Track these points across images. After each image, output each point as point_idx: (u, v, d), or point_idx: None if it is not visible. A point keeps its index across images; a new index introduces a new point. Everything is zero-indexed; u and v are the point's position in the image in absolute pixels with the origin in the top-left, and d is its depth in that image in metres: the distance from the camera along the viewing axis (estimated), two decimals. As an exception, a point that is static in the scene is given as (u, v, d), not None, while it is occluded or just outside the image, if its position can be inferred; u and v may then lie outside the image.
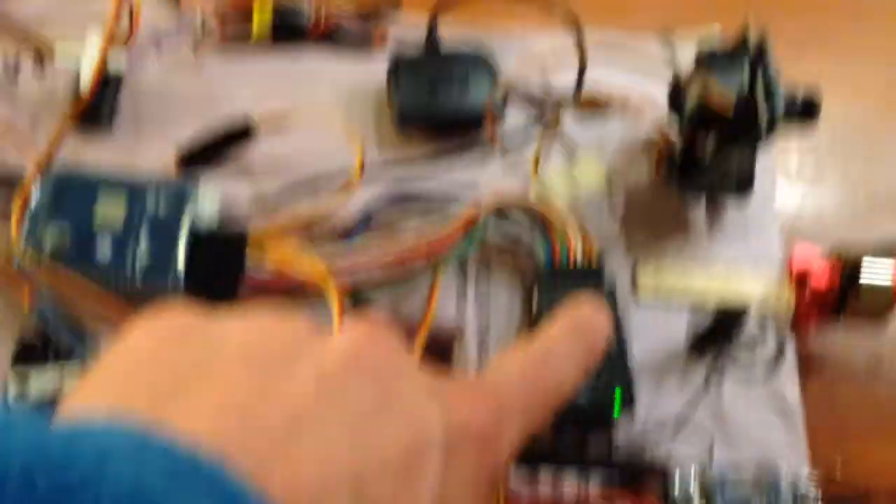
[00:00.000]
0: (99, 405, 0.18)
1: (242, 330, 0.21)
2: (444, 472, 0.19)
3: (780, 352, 0.46)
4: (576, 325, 0.27)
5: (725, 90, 0.43)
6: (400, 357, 0.21)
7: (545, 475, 0.41)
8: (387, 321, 0.23)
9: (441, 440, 0.20)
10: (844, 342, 0.50)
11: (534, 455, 0.41)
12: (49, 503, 0.12)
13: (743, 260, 0.49)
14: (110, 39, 0.43)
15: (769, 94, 0.42)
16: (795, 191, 0.55)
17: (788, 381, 0.46)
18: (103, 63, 0.42)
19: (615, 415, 0.42)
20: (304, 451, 0.17)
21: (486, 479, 0.21)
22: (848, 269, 0.46)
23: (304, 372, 0.19)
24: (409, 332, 0.43)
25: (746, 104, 0.42)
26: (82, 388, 0.19)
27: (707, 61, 0.44)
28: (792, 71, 0.45)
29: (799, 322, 0.47)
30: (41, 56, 0.47)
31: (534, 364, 0.25)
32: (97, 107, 0.45)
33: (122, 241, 0.40)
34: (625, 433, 0.43)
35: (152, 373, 0.19)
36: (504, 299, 0.46)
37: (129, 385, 0.18)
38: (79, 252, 0.40)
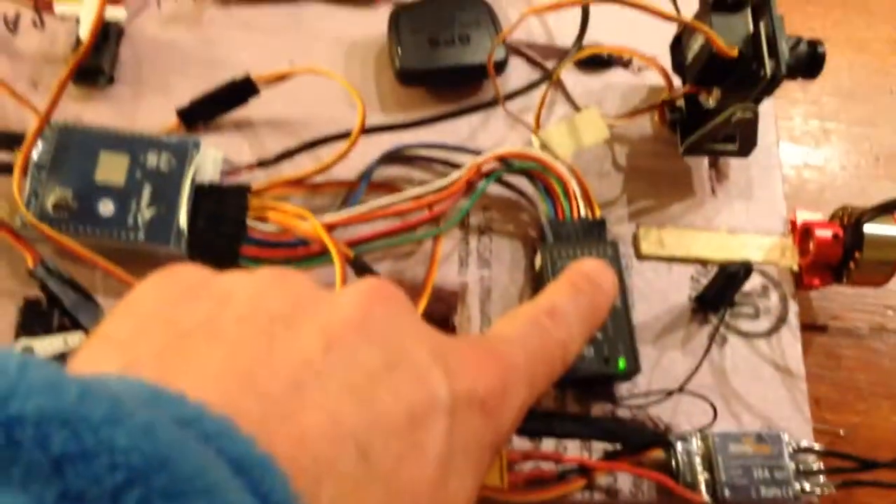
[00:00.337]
0: (106, 364, 0.18)
1: (248, 288, 0.21)
2: (448, 435, 0.19)
3: (783, 311, 0.46)
4: (580, 284, 0.27)
5: (729, 36, 0.42)
6: (406, 317, 0.21)
7: (547, 447, 0.42)
8: (393, 284, 0.23)
9: (446, 404, 0.20)
10: (848, 302, 0.51)
11: (536, 426, 0.42)
12: (64, 444, 0.12)
13: (746, 219, 0.48)
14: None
15: (773, 42, 0.41)
16: (798, 151, 0.55)
17: (791, 342, 0.46)
18: (102, 13, 0.41)
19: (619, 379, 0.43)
20: (309, 410, 0.17)
21: (489, 444, 0.21)
22: (852, 222, 0.46)
23: (310, 331, 0.19)
24: (412, 293, 0.43)
25: (751, 48, 0.42)
26: (90, 347, 0.19)
27: (711, 8, 0.43)
28: (793, 27, 0.45)
29: (803, 281, 0.47)
30: (39, 9, 0.46)
31: (539, 327, 0.25)
32: (97, 59, 0.45)
33: (125, 198, 0.40)
34: (627, 396, 0.43)
35: (158, 332, 0.19)
36: (507, 257, 0.46)
37: (135, 346, 0.19)
38: (81, 209, 0.40)
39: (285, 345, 0.19)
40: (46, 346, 0.37)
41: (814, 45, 0.44)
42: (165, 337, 0.19)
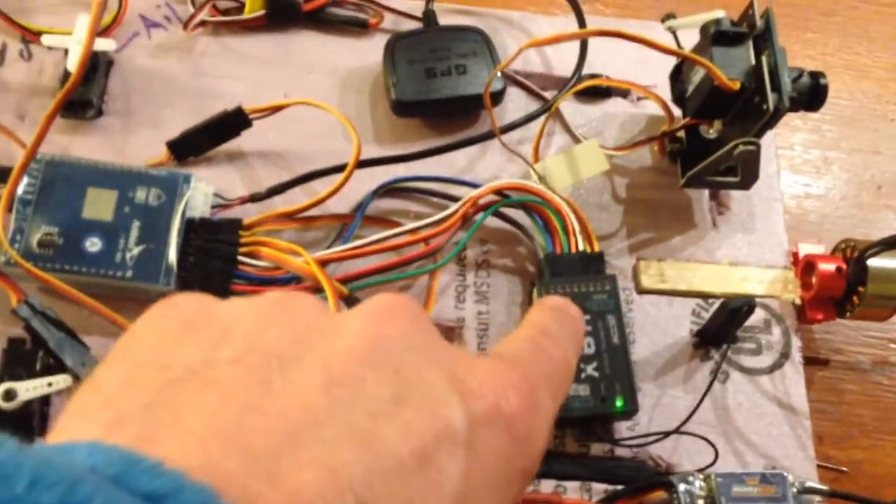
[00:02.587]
0: (92, 421, 0.17)
1: (247, 320, 0.20)
2: (467, 467, 0.18)
3: (786, 346, 0.45)
4: (554, 311, 0.26)
5: (731, 69, 0.42)
6: (420, 336, 0.20)
7: (546, 488, 0.41)
8: (407, 296, 0.21)
9: (464, 434, 0.18)
10: (850, 336, 0.50)
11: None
12: None
13: (748, 252, 0.48)
14: (98, 20, 0.42)
15: (775, 75, 0.41)
16: (799, 181, 0.54)
17: (794, 378, 0.45)
18: (91, 44, 0.40)
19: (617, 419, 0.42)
20: (303, 465, 0.16)
21: (519, 468, 0.20)
22: (856, 256, 0.45)
23: (310, 369, 0.18)
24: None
25: (753, 81, 0.41)
26: (79, 400, 0.18)
27: (711, 41, 0.42)
28: (792, 55, 0.44)
29: (805, 315, 0.46)
30: (27, 40, 0.46)
31: (538, 340, 0.24)
32: (86, 91, 0.44)
33: (112, 235, 0.39)
34: (627, 435, 0.42)
35: (148, 381, 0.18)
36: (505, 292, 0.45)
37: (123, 397, 0.18)
38: (67, 246, 0.39)
39: (281, 390, 0.17)
40: (30, 388, 0.36)
41: (816, 76, 0.43)
42: (155, 386, 0.18)
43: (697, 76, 0.44)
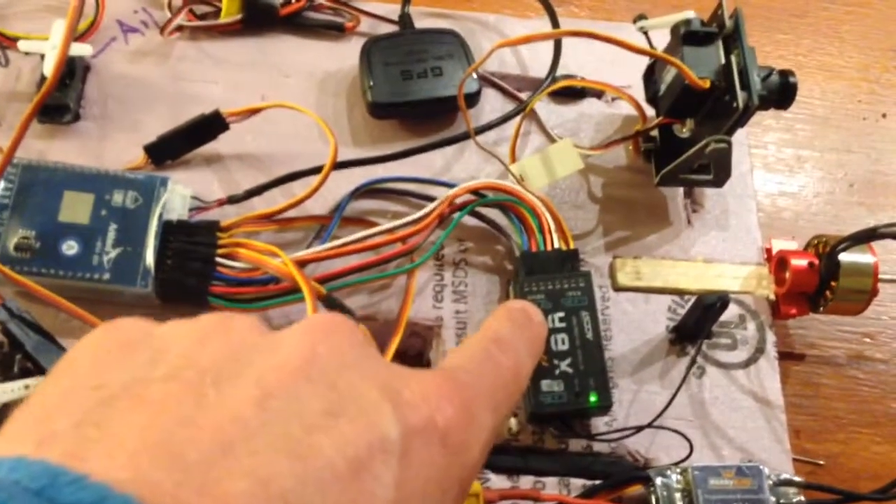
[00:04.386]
0: (24, 437, 0.17)
1: (184, 340, 0.20)
2: (401, 476, 0.18)
3: (761, 341, 0.46)
4: (515, 315, 0.27)
5: (701, 68, 0.42)
6: (354, 351, 0.20)
7: (525, 485, 0.41)
8: (342, 315, 0.22)
9: (397, 443, 0.19)
10: (825, 331, 0.50)
11: (513, 463, 0.41)
12: None
13: (722, 249, 0.48)
14: (74, 25, 0.42)
15: (744, 73, 0.41)
16: (772, 179, 0.55)
17: (769, 372, 0.45)
18: (67, 49, 0.40)
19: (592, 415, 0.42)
20: (234, 476, 0.16)
21: (455, 478, 0.20)
22: (828, 251, 0.46)
23: (244, 384, 0.18)
24: (386, 328, 0.43)
25: (723, 79, 0.42)
26: (17, 417, 0.18)
27: (682, 41, 0.43)
28: (764, 56, 0.45)
29: (779, 310, 0.47)
30: (3, 45, 0.46)
31: (490, 355, 0.24)
32: (63, 95, 0.44)
33: (89, 238, 0.39)
34: (605, 430, 0.42)
35: (82, 400, 0.18)
36: (482, 290, 0.45)
37: (57, 415, 0.18)
38: (44, 249, 0.39)
39: (214, 403, 0.18)
40: (7, 391, 0.36)
41: (785, 75, 0.44)
42: (88, 404, 0.18)
43: (669, 76, 0.44)
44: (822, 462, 0.47)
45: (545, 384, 0.40)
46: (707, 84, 0.42)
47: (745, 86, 0.41)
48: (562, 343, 0.41)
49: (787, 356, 0.49)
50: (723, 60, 0.42)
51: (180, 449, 0.16)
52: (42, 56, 0.44)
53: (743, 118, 0.42)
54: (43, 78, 0.44)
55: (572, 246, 0.44)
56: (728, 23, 0.43)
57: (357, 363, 0.20)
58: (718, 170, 0.45)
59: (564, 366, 0.40)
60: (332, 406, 0.18)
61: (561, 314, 0.41)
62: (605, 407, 0.40)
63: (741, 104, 0.41)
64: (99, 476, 0.15)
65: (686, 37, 0.43)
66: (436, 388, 0.21)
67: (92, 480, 0.14)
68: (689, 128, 0.46)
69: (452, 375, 0.22)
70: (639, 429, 0.41)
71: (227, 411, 0.17)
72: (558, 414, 0.40)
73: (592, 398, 0.40)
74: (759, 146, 0.55)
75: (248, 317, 0.21)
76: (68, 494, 0.14)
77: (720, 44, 0.43)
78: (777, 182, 0.54)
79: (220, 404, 0.17)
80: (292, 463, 0.17)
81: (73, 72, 0.45)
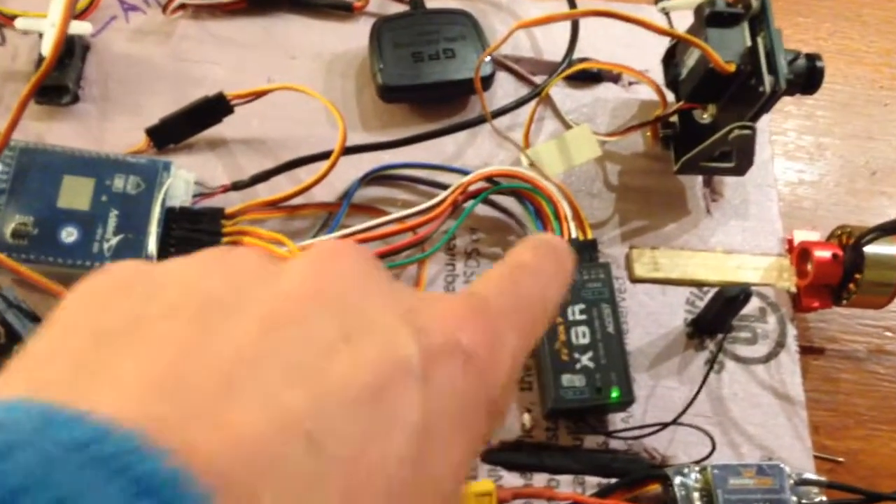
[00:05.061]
0: (14, 387, 0.16)
1: (183, 275, 0.19)
2: (425, 398, 0.17)
3: (781, 335, 0.45)
4: (537, 244, 0.26)
5: (726, 51, 0.41)
6: (369, 276, 0.19)
7: (538, 483, 0.40)
8: (350, 240, 0.20)
9: (418, 367, 0.17)
10: (845, 325, 0.49)
11: (527, 461, 0.40)
12: None
13: (742, 239, 0.47)
14: (73, 2, 0.40)
15: (771, 57, 0.40)
16: (793, 167, 0.53)
17: (790, 368, 0.44)
18: (66, 27, 0.38)
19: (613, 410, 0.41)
20: (245, 408, 0.15)
21: (483, 401, 0.19)
22: (853, 242, 0.44)
23: (250, 314, 0.17)
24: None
25: (749, 63, 0.40)
26: (5, 370, 0.17)
27: (706, 23, 0.41)
28: (783, 40, 0.43)
29: (801, 303, 0.46)
30: (1, 24, 0.44)
31: (514, 279, 0.23)
32: (61, 76, 0.42)
33: (89, 224, 0.38)
34: (621, 427, 0.41)
35: (77, 343, 0.17)
36: (494, 282, 0.43)
37: (51, 361, 0.17)
38: (42, 236, 0.37)
39: (218, 334, 0.16)
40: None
41: (812, 59, 0.42)
42: (84, 346, 0.17)
43: (692, 59, 0.43)
44: (841, 459, 0.46)
45: (566, 379, 0.38)
46: (733, 68, 0.40)
47: (773, 70, 0.39)
48: (582, 336, 0.39)
49: (807, 350, 0.47)
50: (749, 43, 0.41)
51: (185, 382, 0.15)
52: (40, 34, 0.42)
53: (769, 104, 0.40)
54: (41, 57, 0.42)
55: (590, 236, 0.42)
56: (754, 3, 0.41)
57: (369, 287, 0.19)
58: (741, 157, 0.44)
59: (585, 360, 0.39)
60: (344, 331, 0.17)
61: (581, 307, 0.40)
62: (626, 402, 0.39)
63: (768, 89, 0.39)
64: (101, 412, 0.13)
65: (710, 18, 0.41)
66: (457, 309, 0.20)
67: (92, 416, 0.13)
68: (711, 113, 0.44)
69: (476, 298, 0.21)
70: (662, 426, 0.40)
71: (233, 342, 0.16)
72: (579, 409, 0.39)
73: (614, 393, 0.38)
74: (779, 133, 0.53)
75: (252, 248, 0.20)
76: (66, 432, 0.13)
77: (746, 26, 0.41)
78: (797, 170, 0.53)
79: (226, 336, 0.16)
80: (307, 389, 0.15)
81: (72, 51, 0.43)
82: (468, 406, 0.19)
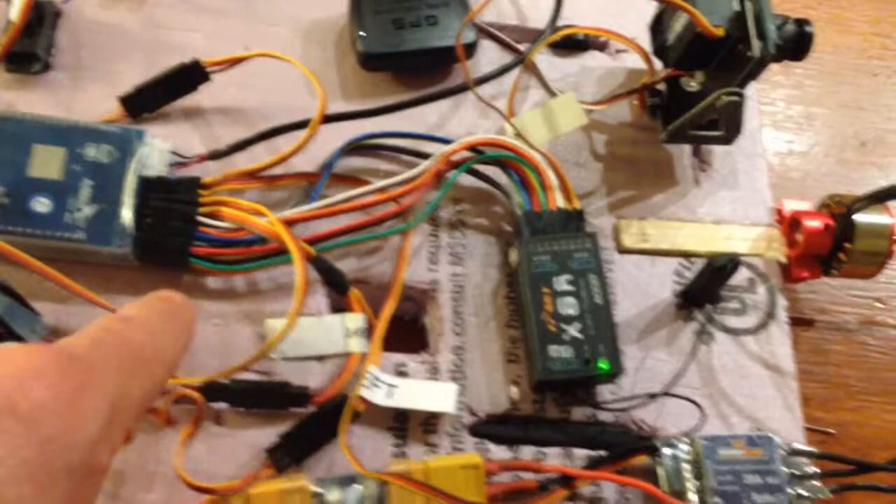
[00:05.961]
0: None
1: None
2: None
3: (771, 306, 0.44)
4: (147, 300, 0.26)
5: (714, 15, 0.40)
6: None
7: (526, 456, 0.39)
8: None
9: None
10: (835, 295, 0.48)
11: (513, 433, 0.39)
12: None
13: (731, 209, 0.46)
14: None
15: (760, 20, 0.39)
16: (782, 137, 0.52)
17: (780, 338, 0.43)
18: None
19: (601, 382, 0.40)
20: None
21: (63, 464, 0.18)
22: (843, 211, 0.44)
23: None
24: (379, 292, 0.40)
25: (737, 27, 0.39)
26: None
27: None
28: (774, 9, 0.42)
29: (791, 274, 0.45)
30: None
31: (113, 330, 0.22)
32: (31, 43, 0.41)
33: (61, 194, 0.37)
34: (610, 399, 0.40)
35: None
36: (480, 253, 0.43)
37: None
38: (13, 206, 0.36)
39: None
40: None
41: (801, 23, 0.41)
42: None
43: (679, 24, 0.42)
44: (832, 431, 0.46)
45: (553, 349, 0.38)
46: (721, 32, 0.39)
47: (761, 34, 0.39)
48: (570, 307, 0.38)
49: (797, 321, 0.47)
50: (737, 7, 0.40)
51: None
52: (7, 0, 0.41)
53: (757, 69, 0.39)
54: (9, 23, 0.41)
55: (577, 205, 0.42)
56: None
57: None
58: (729, 125, 0.43)
59: (573, 331, 0.38)
60: None
61: (568, 277, 0.39)
62: (615, 374, 0.38)
63: (757, 54, 0.38)
64: None
65: (698, -19, 0.40)
66: (20, 366, 0.18)
67: None
68: (699, 80, 0.43)
69: (56, 348, 0.20)
70: (651, 396, 0.39)
71: None
72: (566, 381, 0.38)
73: (603, 365, 0.38)
74: (768, 102, 0.53)
75: None
76: None
77: (733, -13, 0.40)
78: (786, 140, 0.52)
79: None
80: None
81: (42, 17, 0.42)
82: (38, 472, 0.17)
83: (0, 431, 0.17)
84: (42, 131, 0.37)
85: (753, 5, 0.39)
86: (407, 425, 0.39)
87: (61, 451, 0.18)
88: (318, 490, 0.35)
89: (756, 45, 0.39)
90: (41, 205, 0.37)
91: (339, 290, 0.39)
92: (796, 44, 0.41)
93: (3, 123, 0.37)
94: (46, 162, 0.37)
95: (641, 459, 0.39)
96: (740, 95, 0.40)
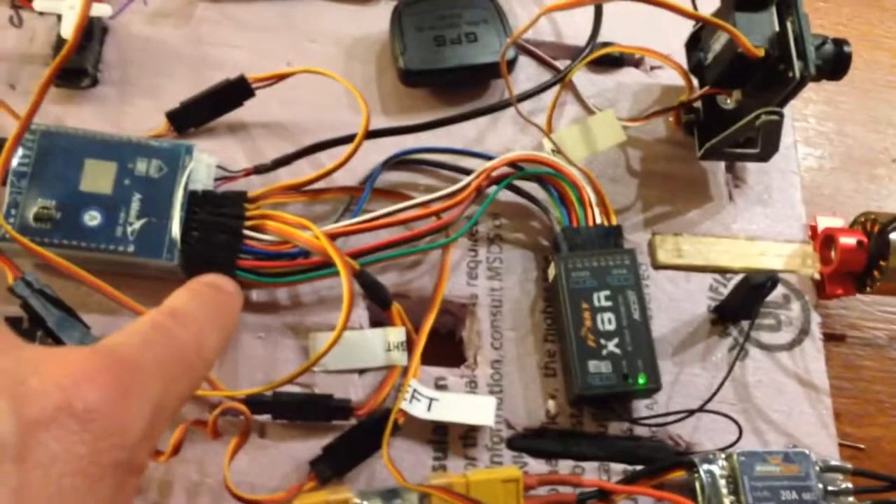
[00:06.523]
0: None
1: None
2: (22, 480, 0.17)
3: (805, 322, 0.44)
4: (197, 288, 0.26)
5: (754, 35, 0.40)
6: None
7: (564, 470, 0.39)
8: None
9: (13, 443, 0.17)
10: (866, 311, 0.49)
11: (552, 448, 0.39)
12: None
13: (765, 225, 0.46)
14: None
15: (800, 40, 0.39)
16: (813, 154, 0.53)
17: (814, 355, 0.44)
18: (88, 8, 0.38)
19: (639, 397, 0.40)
20: None
21: (106, 470, 0.19)
22: (878, 229, 0.44)
23: None
24: (420, 306, 0.41)
25: (777, 48, 0.40)
26: None
27: (734, 6, 0.41)
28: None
29: (825, 290, 0.45)
30: (18, 5, 0.43)
31: (160, 328, 0.23)
32: (80, 59, 0.42)
33: (112, 208, 0.37)
34: (646, 414, 0.41)
35: None
36: (518, 268, 0.43)
37: None
38: (65, 220, 0.37)
39: None
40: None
41: (839, 44, 0.42)
42: None
43: (718, 43, 0.42)
44: (863, 446, 0.46)
45: (592, 365, 0.38)
46: (762, 52, 0.40)
47: (802, 55, 0.39)
48: (608, 323, 0.39)
49: (828, 337, 0.47)
50: (777, 27, 0.40)
51: None
52: (58, 16, 0.41)
53: (797, 89, 0.40)
54: (59, 39, 0.41)
55: (615, 221, 0.42)
56: (782, -14, 0.40)
57: None
58: (766, 143, 0.43)
59: (612, 346, 0.39)
60: None
61: (607, 293, 0.39)
62: (653, 389, 0.39)
63: (798, 74, 0.39)
64: None
65: (739, 2, 0.40)
66: (76, 369, 0.19)
67: None
68: (736, 99, 0.44)
69: (106, 351, 0.21)
70: (689, 413, 0.40)
71: None
72: (605, 396, 0.39)
73: (641, 380, 0.38)
74: (799, 119, 0.53)
75: None
76: None
77: (774, 10, 0.41)
78: (817, 157, 0.52)
79: None
80: None
81: (90, 33, 0.43)
82: (89, 471, 0.18)
83: (58, 428, 0.18)
84: (94, 146, 0.38)
85: (793, 26, 0.40)
86: (446, 438, 0.39)
87: (109, 449, 0.19)
88: (362, 502, 0.36)
89: (797, 65, 0.39)
90: (92, 218, 0.37)
91: (382, 305, 0.40)
92: (835, 64, 0.42)
93: (55, 138, 0.38)
94: (98, 177, 0.38)
95: (678, 474, 0.39)
96: (780, 115, 0.40)
